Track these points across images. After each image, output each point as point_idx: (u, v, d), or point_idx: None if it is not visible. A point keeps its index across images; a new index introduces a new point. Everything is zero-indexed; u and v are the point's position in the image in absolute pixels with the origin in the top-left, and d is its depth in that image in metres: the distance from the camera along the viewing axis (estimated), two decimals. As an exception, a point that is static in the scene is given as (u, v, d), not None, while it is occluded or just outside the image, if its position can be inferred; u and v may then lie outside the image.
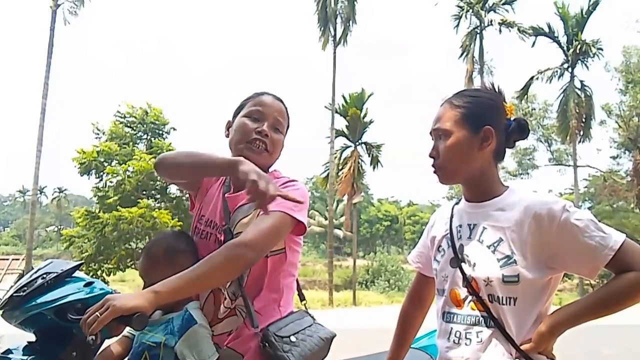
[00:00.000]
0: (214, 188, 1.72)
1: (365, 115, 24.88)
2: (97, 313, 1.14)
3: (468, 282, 1.34)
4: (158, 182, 20.98)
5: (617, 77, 25.51)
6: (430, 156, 1.44)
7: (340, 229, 36.82)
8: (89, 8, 25.01)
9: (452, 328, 1.37)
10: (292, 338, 1.46)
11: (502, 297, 1.29)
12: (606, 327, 8.28)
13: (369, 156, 24.93)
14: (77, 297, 1.30)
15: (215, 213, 1.63)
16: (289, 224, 1.47)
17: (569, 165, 27.35)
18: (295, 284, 1.67)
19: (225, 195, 1.63)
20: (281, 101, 1.67)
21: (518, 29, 23.99)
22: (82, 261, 1.89)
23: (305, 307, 1.67)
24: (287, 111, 1.69)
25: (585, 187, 33.85)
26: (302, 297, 1.72)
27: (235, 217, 1.57)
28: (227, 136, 1.67)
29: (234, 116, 1.68)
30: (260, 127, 1.58)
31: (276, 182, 1.56)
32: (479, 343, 1.30)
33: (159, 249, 1.54)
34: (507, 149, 1.45)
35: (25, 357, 1.30)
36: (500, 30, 24.51)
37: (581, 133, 23.75)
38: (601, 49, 23.34)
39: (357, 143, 24.95)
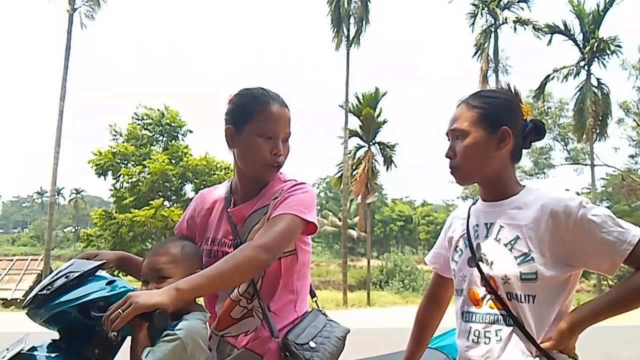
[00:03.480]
0: (216, 208, 1.69)
1: (379, 115, 24.82)
2: (119, 310, 1.16)
3: (486, 280, 1.34)
4: (172, 183, 21.18)
5: (635, 74, 25.10)
6: (447, 156, 1.44)
7: (354, 229, 36.75)
8: (105, 11, 25.25)
9: (471, 327, 1.37)
10: (312, 344, 1.48)
11: (521, 295, 1.29)
12: (625, 328, 8.16)
13: (383, 156, 24.87)
14: (99, 294, 1.32)
15: (219, 230, 1.64)
16: (299, 225, 1.49)
17: (586, 164, 26.97)
18: (309, 285, 1.68)
19: (228, 210, 1.63)
20: (286, 106, 1.62)
21: (533, 27, 23.72)
22: (104, 260, 1.90)
23: (317, 305, 1.68)
24: (289, 111, 1.63)
25: (603, 186, 33.31)
26: (313, 294, 1.74)
27: (246, 227, 1.58)
28: (232, 146, 1.61)
29: (236, 122, 1.58)
30: (275, 148, 1.55)
31: (284, 185, 1.59)
32: (499, 342, 1.31)
33: (178, 246, 1.53)
34: (523, 150, 1.45)
35: (49, 355, 1.32)
36: (515, 29, 24.30)
37: (598, 132, 23.42)
38: (619, 46, 22.98)
39: (371, 143, 24.90)
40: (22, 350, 1.31)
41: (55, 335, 1.39)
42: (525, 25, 24.00)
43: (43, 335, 1.39)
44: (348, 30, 23.56)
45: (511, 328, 1.30)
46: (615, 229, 1.26)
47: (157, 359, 1.24)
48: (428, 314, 1.70)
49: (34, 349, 1.34)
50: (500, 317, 1.32)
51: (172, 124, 22.16)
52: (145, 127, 22.16)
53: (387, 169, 24.85)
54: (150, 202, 19.35)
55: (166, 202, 20.35)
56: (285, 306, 1.57)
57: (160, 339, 1.29)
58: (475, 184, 1.48)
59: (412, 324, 1.71)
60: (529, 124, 1.43)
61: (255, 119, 1.55)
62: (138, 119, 22.26)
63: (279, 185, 1.60)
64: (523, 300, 1.29)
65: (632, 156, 28.47)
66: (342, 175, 24.03)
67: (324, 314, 1.63)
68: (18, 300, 18.40)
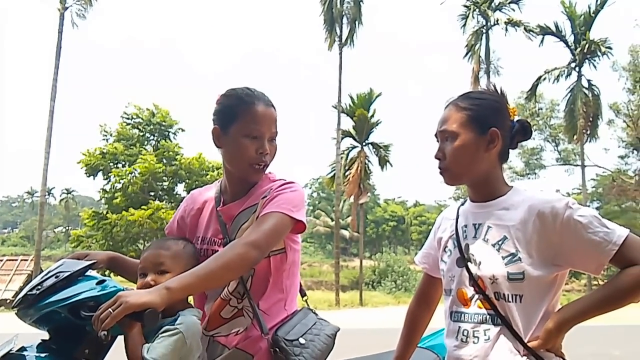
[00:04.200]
0: (206, 207, 1.70)
1: (372, 116, 24.87)
2: (109, 309, 1.16)
3: (474, 280, 1.36)
4: (165, 183, 21.07)
5: (625, 76, 25.32)
6: (436, 158, 1.45)
7: (346, 229, 36.78)
8: (96, 10, 24.99)
9: (460, 327, 1.38)
10: (301, 340, 1.49)
11: (508, 295, 1.30)
12: (614, 328, 8.24)
13: (377, 156, 24.93)
14: (89, 294, 1.31)
15: (209, 229, 1.65)
16: (288, 223, 1.50)
17: (577, 165, 27.16)
18: (299, 284, 1.69)
19: (218, 209, 1.64)
20: (272, 105, 1.62)
21: (525, 29, 23.86)
22: (95, 261, 1.88)
23: (307, 304, 1.69)
24: (276, 111, 1.64)
25: (593, 187, 33.60)
26: (303, 294, 1.74)
27: (235, 225, 1.59)
28: (219, 147, 1.62)
29: (222, 122, 1.59)
30: (261, 148, 1.55)
31: (272, 184, 1.60)
32: (487, 341, 1.32)
33: (180, 244, 1.55)
34: (510, 150, 1.46)
35: (39, 355, 1.32)
36: (506, 30, 24.43)
37: (588, 132, 23.60)
38: (610, 48, 23.18)
39: (364, 143, 24.94)
40: (11, 350, 1.30)
41: (45, 336, 1.38)
42: (516, 27, 24.14)
43: (33, 335, 1.38)
44: (341, 31, 23.59)
45: (499, 327, 1.31)
46: (601, 230, 1.27)
47: (159, 354, 1.25)
48: (418, 313, 1.71)
49: (23, 349, 1.33)
50: (488, 316, 1.33)
51: (163, 123, 22.04)
52: (135, 126, 22.03)
53: (382, 168, 24.92)
54: (149, 201, 19.26)
55: (157, 202, 20.24)
56: (275, 305, 1.57)
57: (160, 334, 1.29)
58: (465, 184, 1.49)
59: (403, 324, 1.72)
60: (516, 124, 1.45)
61: (240, 120, 1.56)
62: (128, 119, 22.13)
63: (267, 185, 1.61)
64: (510, 299, 1.30)
65: (622, 157, 28.73)
66: (334, 175, 24.05)
67: (314, 313, 1.64)
68: (8, 301, 18.25)
